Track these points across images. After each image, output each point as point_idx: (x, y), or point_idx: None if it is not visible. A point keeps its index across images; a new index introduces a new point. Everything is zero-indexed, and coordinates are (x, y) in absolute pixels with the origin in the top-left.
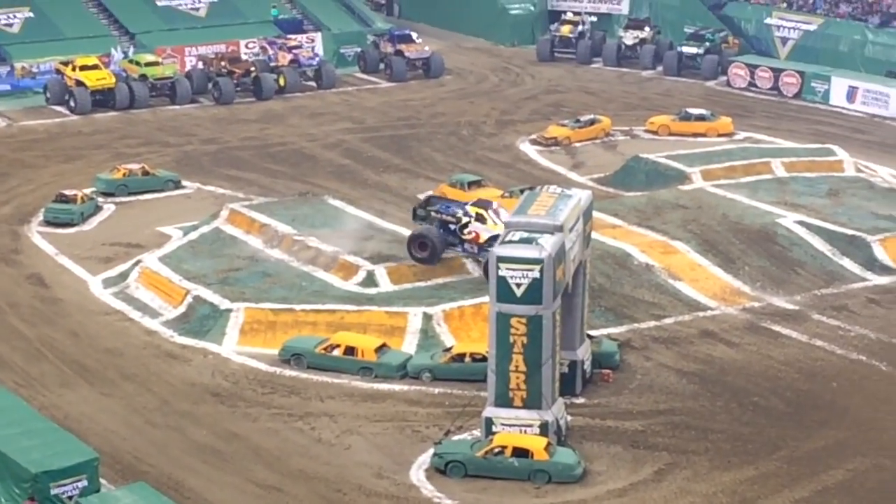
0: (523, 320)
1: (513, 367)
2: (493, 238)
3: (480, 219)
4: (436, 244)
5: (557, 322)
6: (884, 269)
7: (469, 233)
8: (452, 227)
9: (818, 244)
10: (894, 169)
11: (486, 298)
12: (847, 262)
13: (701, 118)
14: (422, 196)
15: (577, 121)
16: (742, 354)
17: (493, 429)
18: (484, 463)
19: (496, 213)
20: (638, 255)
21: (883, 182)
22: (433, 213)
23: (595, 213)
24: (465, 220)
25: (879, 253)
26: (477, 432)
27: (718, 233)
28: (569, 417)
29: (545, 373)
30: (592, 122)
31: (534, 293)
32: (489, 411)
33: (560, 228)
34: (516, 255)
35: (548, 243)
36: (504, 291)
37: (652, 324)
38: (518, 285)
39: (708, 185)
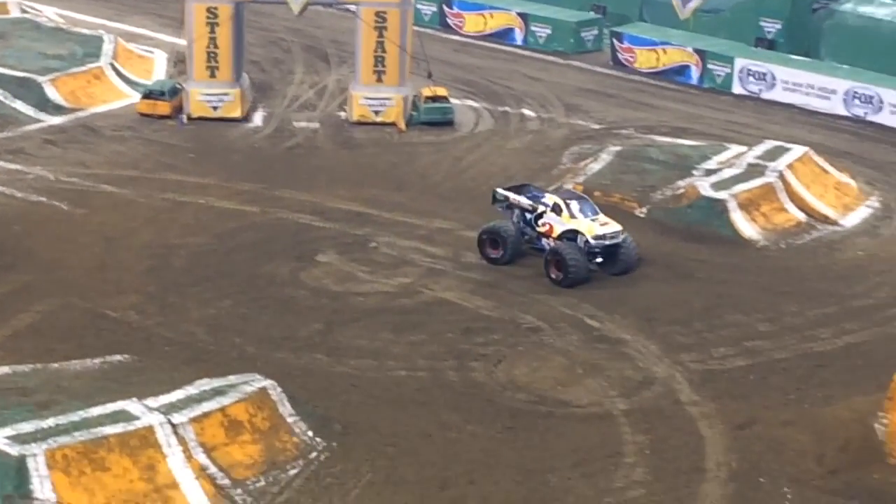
0: None
1: None
2: (567, 232)
3: (557, 209)
4: (508, 241)
5: None
6: (57, 109)
7: (543, 224)
8: (529, 216)
9: None
10: (60, 8)
11: None
12: (20, 105)
13: None
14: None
15: None
16: None
17: None
18: None
19: (580, 204)
20: None
21: (49, 22)
22: (511, 199)
23: None
24: (540, 209)
25: (52, 93)
26: None
27: None
28: None
29: None
30: None
31: None
32: None
33: None
34: None
35: None
36: None
37: None
38: None
39: None
